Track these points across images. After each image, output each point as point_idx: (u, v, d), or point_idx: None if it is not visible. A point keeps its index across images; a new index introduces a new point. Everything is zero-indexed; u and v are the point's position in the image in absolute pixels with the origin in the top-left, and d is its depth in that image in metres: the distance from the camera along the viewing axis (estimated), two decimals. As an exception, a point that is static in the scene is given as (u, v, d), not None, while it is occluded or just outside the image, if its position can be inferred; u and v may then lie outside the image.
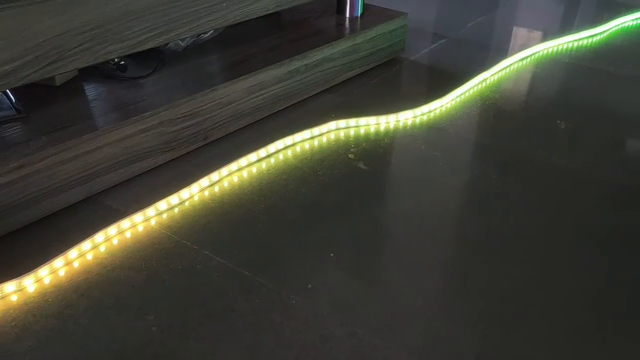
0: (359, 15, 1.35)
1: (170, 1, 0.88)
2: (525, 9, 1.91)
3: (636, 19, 1.72)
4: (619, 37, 1.60)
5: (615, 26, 1.67)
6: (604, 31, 1.63)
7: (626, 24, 1.69)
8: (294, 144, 1.03)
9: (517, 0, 1.99)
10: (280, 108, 1.14)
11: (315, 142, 1.05)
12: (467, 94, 1.24)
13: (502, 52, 1.48)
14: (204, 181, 0.90)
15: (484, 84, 1.29)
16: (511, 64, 1.39)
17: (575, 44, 1.54)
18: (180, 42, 1.12)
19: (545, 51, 1.48)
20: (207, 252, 0.77)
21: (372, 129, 1.10)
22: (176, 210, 0.85)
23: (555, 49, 1.50)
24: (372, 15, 1.35)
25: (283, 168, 0.97)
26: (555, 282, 0.74)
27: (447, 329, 0.67)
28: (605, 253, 0.79)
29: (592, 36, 1.59)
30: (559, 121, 1.15)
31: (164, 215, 0.84)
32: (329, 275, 0.74)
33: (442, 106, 1.18)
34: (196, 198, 0.88)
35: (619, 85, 1.32)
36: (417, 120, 1.13)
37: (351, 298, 0.70)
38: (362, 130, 1.09)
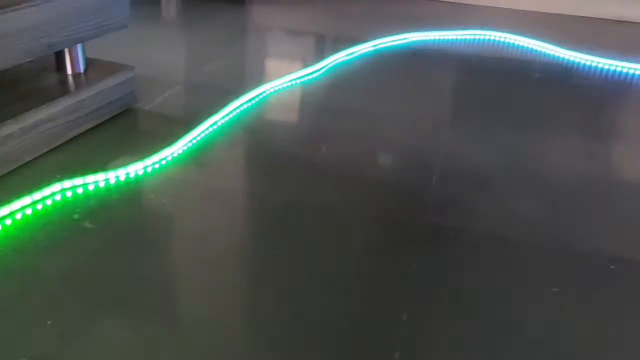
0: (82, 70, 1.35)
1: None
2: (269, 48, 2.09)
3: (352, 53, 1.99)
4: (345, 71, 1.85)
5: (335, 61, 1.91)
6: (326, 66, 1.85)
7: (344, 58, 1.95)
8: (12, 214, 1.00)
9: (261, 41, 2.16)
10: (-3, 177, 1.09)
11: (38, 207, 1.02)
12: (195, 139, 1.32)
13: (236, 94, 1.59)
14: None
15: (214, 127, 1.39)
16: (242, 105, 1.51)
17: (305, 79, 1.73)
18: None
19: (275, 89, 1.64)
20: None
21: (101, 185, 1.11)
22: None
23: (286, 86, 1.67)
24: (97, 70, 1.36)
25: (-2, 241, 0.93)
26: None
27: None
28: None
29: (316, 71, 1.80)
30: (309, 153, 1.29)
31: None
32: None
33: (172, 153, 1.24)
34: None
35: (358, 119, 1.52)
36: (148, 170, 1.17)
37: None
38: (90, 188, 1.09)
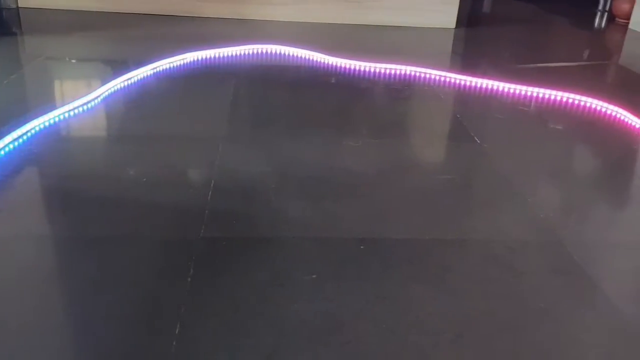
0: None
1: None
2: (45, 78, 2.00)
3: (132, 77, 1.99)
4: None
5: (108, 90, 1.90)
6: (104, 93, 1.84)
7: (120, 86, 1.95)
8: None
9: (36, 71, 2.06)
10: None
11: None
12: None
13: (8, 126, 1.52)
14: None
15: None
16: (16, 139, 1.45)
17: (83, 107, 1.70)
18: None
19: (53, 119, 1.59)
20: None
21: None
22: None
23: (65, 115, 1.63)
24: None
25: None
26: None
27: None
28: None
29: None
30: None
31: None
32: None
33: None
34: None
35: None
36: None
37: None
38: None
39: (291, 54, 2.38)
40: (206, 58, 2.26)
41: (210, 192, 1.28)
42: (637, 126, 1.80)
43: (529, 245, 1.17)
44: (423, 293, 1.01)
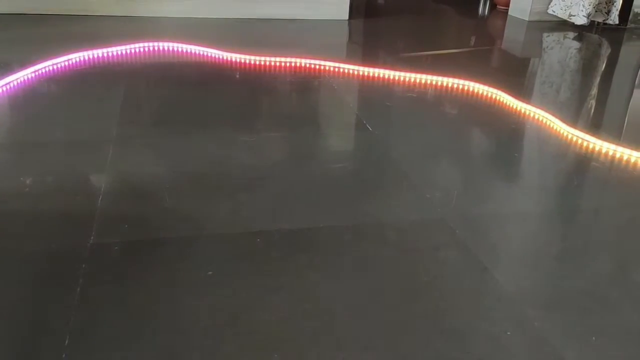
0: None
1: None
2: None
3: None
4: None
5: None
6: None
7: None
8: None
9: None
10: None
11: None
12: None
13: None
14: None
15: None
16: None
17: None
18: None
19: None
20: None
21: None
22: None
23: None
24: None
25: None
26: None
27: None
28: None
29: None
30: None
31: None
32: None
33: None
34: None
35: None
36: None
37: None
38: None
39: (183, 51, 2.34)
40: (95, 57, 2.18)
41: (100, 198, 1.24)
42: (515, 107, 1.94)
43: (417, 225, 1.24)
44: (318, 280, 1.05)
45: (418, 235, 1.20)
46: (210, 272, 1.04)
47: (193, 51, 2.34)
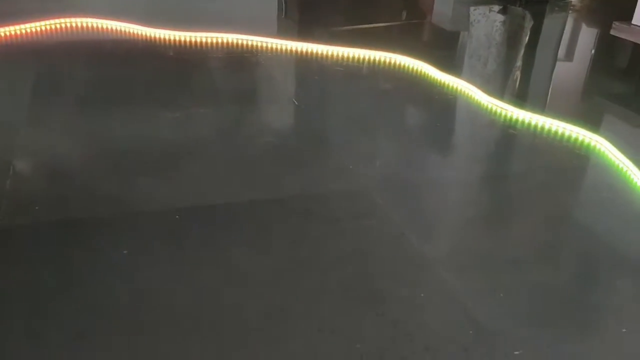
0: None
1: None
2: None
3: None
4: None
5: None
6: None
7: None
8: None
9: None
10: None
11: None
12: None
13: None
14: None
15: None
16: None
17: None
18: None
19: None
20: None
21: None
22: None
23: None
24: None
25: None
26: None
27: None
28: None
29: None
30: None
31: None
32: None
33: None
34: None
35: None
36: None
37: None
38: None
39: (107, 28, 2.25)
40: (12, 34, 2.06)
41: (8, 180, 1.19)
42: (441, 79, 1.98)
43: (340, 196, 1.25)
44: (242, 254, 1.04)
45: (340, 206, 1.21)
46: (125, 251, 1.02)
47: (117, 28, 2.26)
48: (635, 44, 2.33)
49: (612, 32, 2.35)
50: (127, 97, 1.66)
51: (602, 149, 1.50)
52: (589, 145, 1.53)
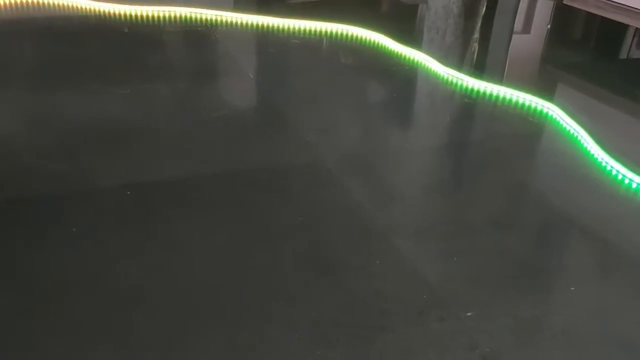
0: None
1: None
2: None
3: None
4: None
5: None
6: None
7: None
8: None
9: None
10: None
11: None
12: None
13: None
14: None
15: None
16: None
17: None
18: None
19: None
20: None
21: None
22: None
23: None
24: None
25: None
26: None
27: None
28: None
29: None
30: None
31: None
32: None
33: None
34: None
35: None
36: None
37: None
38: None
39: (54, 3, 2.17)
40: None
41: (-52, 160, 1.14)
42: (398, 51, 1.97)
43: (295, 168, 1.24)
44: (194, 228, 1.03)
45: (295, 178, 1.20)
46: (74, 229, 0.99)
47: (64, 2, 2.17)
48: (589, 12, 2.36)
49: (565, 2, 2.38)
50: (77, 74, 1.60)
51: (555, 116, 1.53)
52: (542, 112, 1.56)
